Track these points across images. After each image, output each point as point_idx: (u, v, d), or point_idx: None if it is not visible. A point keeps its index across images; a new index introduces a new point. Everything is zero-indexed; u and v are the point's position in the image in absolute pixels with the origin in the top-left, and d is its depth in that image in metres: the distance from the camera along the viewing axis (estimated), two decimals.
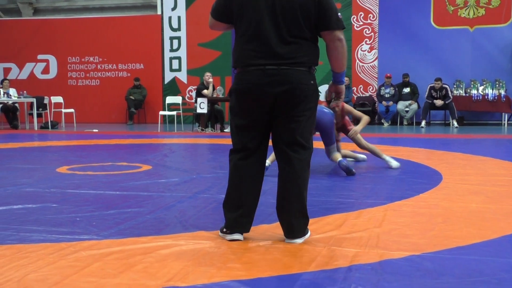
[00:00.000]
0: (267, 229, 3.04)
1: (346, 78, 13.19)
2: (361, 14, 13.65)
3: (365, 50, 13.70)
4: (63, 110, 13.32)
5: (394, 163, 5.52)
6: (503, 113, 12.57)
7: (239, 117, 2.84)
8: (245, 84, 2.77)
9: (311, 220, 2.88)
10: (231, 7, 2.81)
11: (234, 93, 2.83)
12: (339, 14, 2.82)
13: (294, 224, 2.77)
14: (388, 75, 13.02)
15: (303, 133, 2.78)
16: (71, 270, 2.34)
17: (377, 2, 13.53)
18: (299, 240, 2.77)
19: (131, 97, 14.33)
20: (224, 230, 2.87)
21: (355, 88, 13.72)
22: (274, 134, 2.84)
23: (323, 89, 13.80)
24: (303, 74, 2.77)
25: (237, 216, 2.82)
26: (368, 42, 13.67)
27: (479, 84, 12.82)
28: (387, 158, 5.62)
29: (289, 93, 2.72)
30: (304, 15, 2.73)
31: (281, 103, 2.74)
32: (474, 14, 13.10)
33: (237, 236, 2.82)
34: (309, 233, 2.86)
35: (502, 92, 12.49)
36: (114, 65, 15.26)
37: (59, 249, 2.65)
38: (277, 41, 2.73)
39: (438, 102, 12.38)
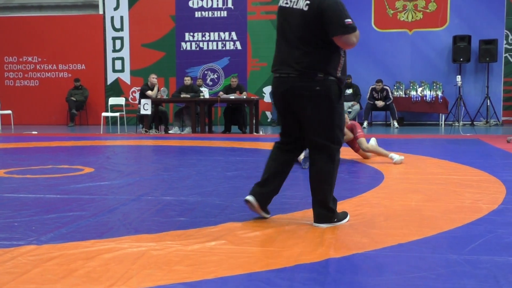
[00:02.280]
0: (212, 230, 3.03)
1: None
2: None
3: None
4: (0, 112, 12.85)
5: (397, 158, 5.86)
6: (440, 114, 13.01)
7: None
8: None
9: (256, 221, 2.89)
10: None
11: None
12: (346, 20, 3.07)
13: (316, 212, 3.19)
14: None
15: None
16: (9, 277, 2.26)
17: None
18: (323, 225, 3.14)
19: (72, 98, 13.99)
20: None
21: None
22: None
23: (267, 89, 13.91)
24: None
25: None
26: None
27: (417, 86, 13.23)
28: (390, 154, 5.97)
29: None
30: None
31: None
32: (412, 17, 13.51)
33: (249, 197, 3.26)
34: (340, 222, 3.19)
35: (439, 93, 12.92)
36: (54, 65, 14.86)
37: None
38: None
39: (379, 103, 12.69)
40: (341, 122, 3.22)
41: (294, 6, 3.13)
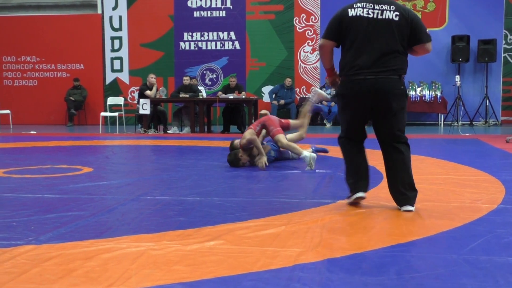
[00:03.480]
0: (211, 230, 3.03)
1: (289, 79, 13.33)
2: (303, 16, 13.83)
3: (307, 52, 13.89)
4: None
5: (307, 155, 5.55)
6: (439, 114, 13.02)
7: None
8: None
9: (255, 221, 2.89)
10: None
11: None
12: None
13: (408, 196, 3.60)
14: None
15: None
16: (8, 277, 2.26)
17: (319, 4, 13.74)
18: (412, 208, 3.54)
19: (71, 98, 13.98)
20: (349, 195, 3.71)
21: (298, 89, 13.88)
22: None
23: (266, 89, 13.91)
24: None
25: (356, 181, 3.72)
26: (310, 44, 13.86)
27: (416, 86, 13.23)
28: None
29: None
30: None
31: None
32: None
33: (360, 194, 3.65)
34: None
35: (438, 93, 12.93)
36: (53, 65, 14.85)
37: None
38: None
39: None
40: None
41: (379, 17, 3.51)
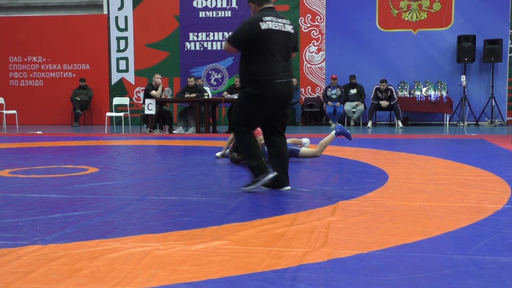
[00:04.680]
0: (216, 230, 3.03)
1: (294, 79, 13.32)
2: (308, 16, 13.83)
3: (312, 52, 13.88)
4: (5, 112, 12.90)
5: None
6: (444, 114, 12.98)
7: None
8: None
9: (260, 221, 2.89)
10: None
11: None
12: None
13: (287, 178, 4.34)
14: (334, 76, 13.23)
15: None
16: (14, 276, 2.27)
17: (324, 4, 13.73)
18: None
19: (77, 98, 14.02)
20: (257, 178, 4.15)
21: (303, 89, 13.88)
22: None
23: None
24: None
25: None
26: (315, 44, 13.86)
27: (422, 86, 13.21)
28: None
29: None
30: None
31: None
32: (417, 17, 13.49)
33: (274, 173, 4.16)
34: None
35: (444, 93, 12.90)
36: (59, 65, 14.90)
37: (0, 255, 2.56)
38: None
39: (384, 103, 12.67)
40: None
41: (283, 29, 4.21)
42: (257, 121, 4.29)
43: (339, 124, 6.23)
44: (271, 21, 4.16)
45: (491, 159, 6.26)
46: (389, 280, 2.22)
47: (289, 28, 4.25)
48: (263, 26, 4.11)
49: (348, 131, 6.03)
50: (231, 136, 6.33)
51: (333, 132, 5.99)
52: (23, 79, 15.07)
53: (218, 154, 6.56)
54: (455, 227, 3.09)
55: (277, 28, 4.16)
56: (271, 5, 4.29)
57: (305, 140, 6.69)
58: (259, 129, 5.79)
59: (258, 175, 4.13)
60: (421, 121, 13.51)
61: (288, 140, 5.78)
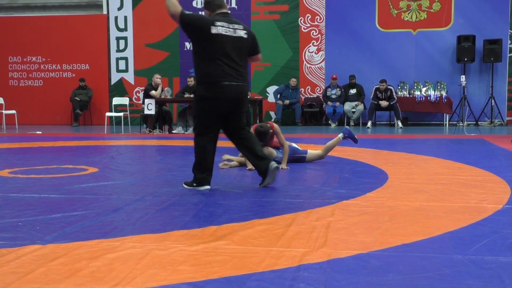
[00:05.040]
0: (216, 230, 3.03)
1: (294, 79, 13.33)
2: (308, 16, 13.83)
3: (312, 52, 13.89)
4: (4, 112, 12.89)
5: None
6: (444, 114, 12.99)
7: None
8: None
9: (260, 221, 2.89)
10: None
11: None
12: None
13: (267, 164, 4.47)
14: (334, 76, 13.23)
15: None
16: (13, 276, 2.27)
17: (324, 4, 13.73)
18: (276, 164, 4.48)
19: (76, 98, 14.02)
20: (194, 184, 4.40)
21: (302, 89, 13.88)
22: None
23: (271, 89, 13.91)
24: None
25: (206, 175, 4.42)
26: (315, 44, 13.86)
27: (422, 86, 13.21)
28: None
29: None
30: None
31: None
32: (416, 17, 13.49)
33: (207, 186, 4.39)
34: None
35: (444, 93, 12.91)
36: (58, 65, 14.90)
37: (0, 255, 2.56)
38: None
39: (383, 103, 12.67)
40: None
41: (234, 35, 4.36)
42: (213, 123, 4.42)
43: (347, 127, 6.30)
44: (222, 26, 4.33)
45: (491, 159, 6.26)
46: (389, 280, 2.22)
47: (241, 33, 4.41)
48: (213, 30, 4.29)
49: (355, 135, 6.20)
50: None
51: (340, 135, 6.15)
52: (22, 79, 15.07)
53: (249, 167, 5.71)
54: (455, 227, 3.09)
55: (227, 34, 4.33)
56: (225, 11, 4.47)
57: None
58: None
59: (196, 183, 4.41)
60: (421, 121, 13.51)
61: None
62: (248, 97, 4.42)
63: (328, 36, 13.79)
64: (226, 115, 4.43)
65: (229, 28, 4.35)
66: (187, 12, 4.43)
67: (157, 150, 8.08)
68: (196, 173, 4.43)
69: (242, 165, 5.86)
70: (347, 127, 6.31)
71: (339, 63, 13.68)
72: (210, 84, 4.33)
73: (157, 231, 3.02)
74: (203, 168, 4.40)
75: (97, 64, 14.74)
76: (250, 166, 5.56)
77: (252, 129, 5.97)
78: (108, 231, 3.04)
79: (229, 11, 4.53)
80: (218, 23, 4.33)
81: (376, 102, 12.77)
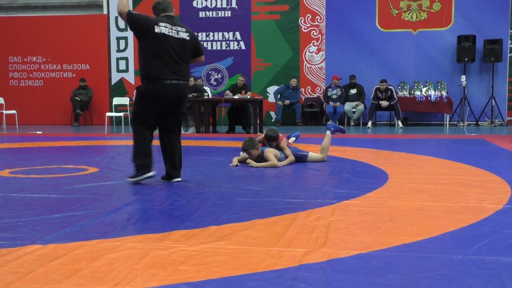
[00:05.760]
0: (216, 230, 3.03)
1: (294, 79, 13.33)
2: (308, 16, 13.82)
3: (312, 52, 13.88)
4: (4, 112, 12.89)
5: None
6: (444, 114, 12.98)
7: None
8: None
9: (260, 221, 2.89)
10: None
11: None
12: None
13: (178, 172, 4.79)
14: (337, 77, 13.21)
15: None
16: (14, 276, 2.27)
17: (324, 4, 13.73)
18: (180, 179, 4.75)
19: (77, 98, 14.02)
20: (139, 174, 4.57)
21: (303, 89, 13.88)
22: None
23: (271, 89, 13.91)
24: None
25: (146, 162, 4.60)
26: (315, 44, 13.85)
27: (422, 86, 13.21)
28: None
29: None
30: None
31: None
32: (417, 17, 13.49)
33: (153, 173, 4.62)
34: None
35: (444, 93, 12.90)
36: (59, 65, 14.89)
37: (0, 255, 2.56)
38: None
39: (384, 104, 12.67)
40: None
41: (177, 36, 4.60)
42: (151, 119, 4.65)
43: (330, 123, 6.30)
44: (165, 27, 4.59)
45: (491, 159, 6.26)
46: (389, 280, 2.22)
47: (184, 36, 4.67)
48: (157, 29, 4.55)
49: (340, 126, 6.22)
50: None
51: (328, 132, 6.15)
52: (23, 79, 15.06)
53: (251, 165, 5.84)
54: (455, 227, 3.09)
55: (170, 34, 4.58)
56: (169, 14, 4.74)
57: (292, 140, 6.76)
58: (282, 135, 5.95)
59: (139, 171, 4.57)
60: (421, 121, 13.51)
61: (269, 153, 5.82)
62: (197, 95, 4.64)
63: (329, 36, 13.79)
64: (165, 114, 4.66)
65: (172, 29, 4.61)
66: (134, 12, 4.71)
67: (157, 150, 8.06)
68: (136, 162, 4.59)
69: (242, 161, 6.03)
70: (330, 122, 6.38)
71: (340, 63, 13.68)
72: (152, 81, 4.57)
73: (157, 231, 3.02)
74: (142, 155, 4.57)
75: (97, 64, 14.73)
76: (252, 164, 5.72)
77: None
78: (108, 231, 3.04)
79: (173, 15, 4.78)
80: (162, 24, 4.59)
81: (376, 102, 12.76)
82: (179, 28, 4.68)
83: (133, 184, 4.68)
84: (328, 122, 6.28)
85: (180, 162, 4.82)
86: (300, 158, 6.05)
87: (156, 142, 4.76)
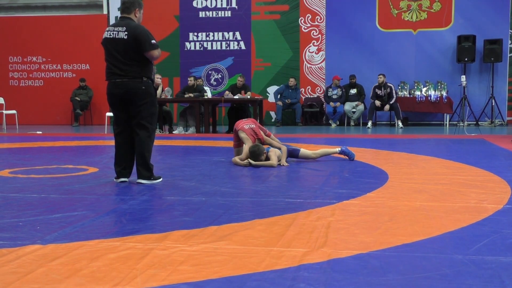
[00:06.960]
0: (216, 230, 3.03)
1: (292, 79, 13.32)
2: (308, 16, 13.82)
3: (312, 52, 13.88)
4: (4, 112, 12.89)
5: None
6: (444, 114, 12.98)
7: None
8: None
9: (260, 221, 2.89)
10: None
11: None
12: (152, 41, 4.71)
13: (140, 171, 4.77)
14: (338, 77, 13.20)
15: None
16: (14, 276, 2.27)
17: (324, 4, 13.73)
18: (143, 181, 4.74)
19: (77, 98, 14.02)
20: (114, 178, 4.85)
21: (303, 89, 13.87)
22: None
23: (271, 89, 13.91)
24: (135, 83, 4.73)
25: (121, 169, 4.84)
26: (315, 44, 13.85)
27: (422, 86, 13.20)
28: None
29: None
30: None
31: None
32: (417, 17, 13.48)
33: (123, 179, 4.81)
34: (157, 180, 4.79)
35: (444, 93, 12.90)
36: (59, 65, 14.89)
37: (0, 255, 2.56)
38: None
39: (385, 108, 12.62)
40: (156, 109, 4.85)
41: (116, 37, 4.69)
42: (117, 120, 4.88)
43: (345, 146, 6.33)
44: (108, 30, 4.78)
45: (491, 159, 6.26)
46: (389, 280, 2.22)
47: (122, 35, 4.70)
48: (104, 35, 4.81)
49: (353, 152, 6.24)
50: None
51: (338, 149, 6.25)
52: (23, 79, 15.06)
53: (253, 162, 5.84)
54: (455, 227, 3.09)
55: (110, 37, 4.74)
56: (123, 15, 4.85)
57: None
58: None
59: (116, 177, 4.85)
60: (421, 121, 13.50)
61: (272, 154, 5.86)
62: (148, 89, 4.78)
63: (329, 36, 13.78)
64: (127, 111, 4.78)
65: (113, 31, 4.75)
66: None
67: (158, 150, 8.07)
68: (115, 168, 4.89)
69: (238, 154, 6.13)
70: (347, 147, 6.39)
71: (340, 63, 13.67)
72: (108, 82, 4.83)
73: (157, 231, 3.02)
74: (118, 163, 4.85)
75: (97, 64, 14.68)
76: (253, 162, 5.73)
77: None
78: (108, 231, 3.04)
79: (127, 15, 4.84)
80: (108, 28, 4.81)
81: (373, 100, 12.73)
82: (119, 29, 4.74)
83: (133, 184, 4.68)
84: (344, 147, 6.31)
85: (142, 161, 4.75)
86: (292, 152, 6.11)
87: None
